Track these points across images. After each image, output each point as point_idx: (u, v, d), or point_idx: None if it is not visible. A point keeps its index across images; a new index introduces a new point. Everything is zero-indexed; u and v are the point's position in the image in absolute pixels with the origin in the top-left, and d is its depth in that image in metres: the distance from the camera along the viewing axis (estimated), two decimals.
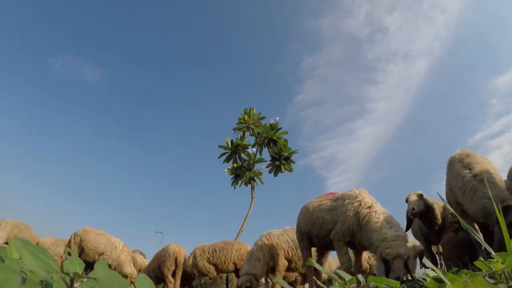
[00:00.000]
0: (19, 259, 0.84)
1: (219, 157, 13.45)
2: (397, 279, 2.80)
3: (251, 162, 13.14)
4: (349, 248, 3.92)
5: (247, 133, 13.16)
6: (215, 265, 6.70)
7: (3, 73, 31.32)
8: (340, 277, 0.78)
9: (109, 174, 41.04)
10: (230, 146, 13.24)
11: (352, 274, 3.63)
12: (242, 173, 12.95)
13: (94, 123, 43.07)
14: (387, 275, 3.03)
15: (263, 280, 5.78)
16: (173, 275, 7.09)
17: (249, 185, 12.86)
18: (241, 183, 13.00)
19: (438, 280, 0.75)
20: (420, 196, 4.12)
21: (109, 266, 6.96)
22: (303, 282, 6.47)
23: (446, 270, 2.96)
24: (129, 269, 7.09)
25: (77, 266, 0.58)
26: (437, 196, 3.22)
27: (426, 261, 0.89)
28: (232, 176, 13.29)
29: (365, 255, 6.56)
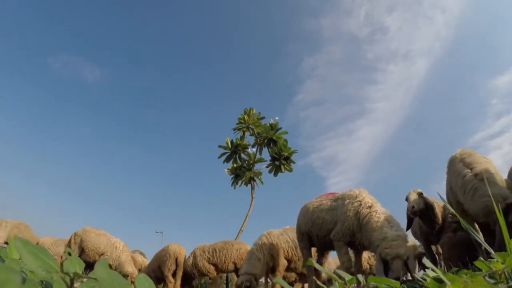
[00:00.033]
0: (19, 259, 0.84)
1: (219, 157, 13.47)
2: (397, 279, 2.80)
3: (251, 162, 13.14)
4: (349, 248, 3.92)
5: (247, 133, 13.17)
6: (215, 265, 6.70)
7: (3, 73, 31.36)
8: (340, 277, 0.78)
9: (109, 174, 41.08)
10: (230, 146, 13.24)
11: (352, 274, 3.63)
12: (242, 173, 12.95)
13: (94, 123, 43.11)
14: (386, 275, 3.03)
15: (262, 280, 5.78)
16: (173, 275, 7.09)
17: (249, 185, 12.86)
18: (241, 183, 13.00)
19: (438, 280, 0.75)
20: (420, 195, 4.07)
21: (110, 266, 6.96)
22: (301, 281, 6.44)
23: (446, 270, 2.96)
24: (130, 269, 7.10)
25: (77, 266, 0.58)
26: (437, 196, 3.22)
27: (426, 261, 0.89)
28: (232, 176, 13.29)
29: (365, 255, 6.56)
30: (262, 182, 13.12)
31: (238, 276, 5.10)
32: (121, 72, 47.88)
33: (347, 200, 3.84)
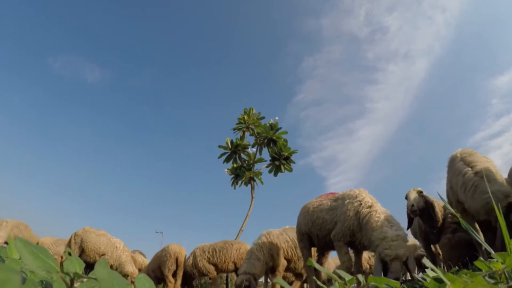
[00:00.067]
0: (19, 259, 0.84)
1: (219, 157, 13.47)
2: (396, 280, 2.80)
3: (251, 162, 13.14)
4: (349, 248, 3.92)
5: (247, 133, 13.17)
6: (215, 265, 6.69)
7: (3, 73, 31.34)
8: (340, 277, 0.78)
9: (109, 174, 41.10)
10: (230, 146, 13.24)
11: (352, 274, 3.63)
12: (242, 173, 12.95)
13: (94, 123, 43.09)
14: (385, 276, 3.02)
15: (262, 279, 5.78)
16: (173, 275, 7.09)
17: (249, 185, 12.86)
18: (241, 183, 13.00)
19: (438, 280, 0.75)
20: (420, 193, 4.03)
21: (111, 266, 6.97)
22: (297, 280, 6.40)
23: (446, 271, 2.96)
24: (131, 268, 7.10)
25: (77, 266, 0.58)
26: (437, 196, 3.21)
27: (426, 261, 0.89)
28: (232, 176, 13.29)
29: (365, 255, 6.55)
30: (262, 182, 13.14)
31: (238, 276, 5.09)
32: (121, 72, 47.90)
33: (347, 200, 3.84)
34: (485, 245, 1.04)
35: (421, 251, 5.16)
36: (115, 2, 47.03)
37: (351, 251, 3.99)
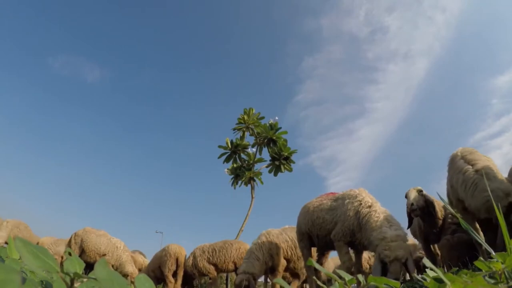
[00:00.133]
0: (19, 259, 0.84)
1: (219, 157, 13.47)
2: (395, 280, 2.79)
3: (251, 162, 13.14)
4: (349, 248, 3.92)
5: (246, 133, 13.16)
6: (215, 265, 6.69)
7: (3, 73, 31.35)
8: (340, 277, 0.78)
9: (109, 174, 41.12)
10: (230, 146, 13.24)
11: (352, 274, 3.63)
12: (242, 173, 12.95)
13: (94, 123, 43.08)
14: (384, 276, 3.01)
15: (262, 279, 5.77)
16: (174, 275, 7.09)
17: (249, 185, 12.86)
18: (241, 183, 13.00)
19: (438, 280, 0.75)
20: (420, 192, 4.01)
21: (112, 266, 6.97)
22: (293, 279, 6.38)
23: (446, 271, 2.95)
24: (131, 268, 7.11)
25: (77, 266, 0.58)
26: (437, 196, 3.21)
27: (426, 260, 0.89)
28: (232, 176, 13.29)
29: (365, 255, 6.55)
30: (262, 182, 13.14)
31: (237, 275, 5.08)
32: (121, 72, 47.89)
33: (347, 200, 3.84)
34: (485, 245, 1.04)
35: (420, 253, 5.14)
36: (115, 2, 47.03)
37: (351, 251, 3.99)
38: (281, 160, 12.99)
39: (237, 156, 13.36)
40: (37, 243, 7.25)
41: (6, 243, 7.52)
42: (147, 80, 49.03)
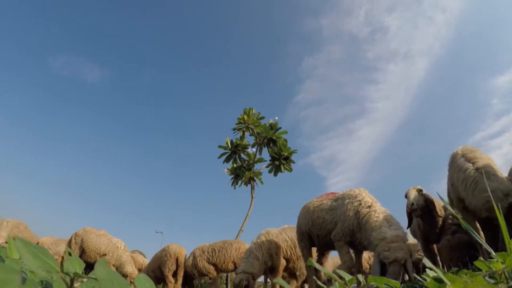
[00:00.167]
0: (19, 259, 0.84)
1: (219, 157, 13.47)
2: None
3: (251, 162, 13.14)
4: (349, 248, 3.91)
5: (246, 133, 13.16)
6: (214, 265, 6.69)
7: (3, 73, 31.35)
8: (340, 277, 0.78)
9: (109, 174, 41.12)
10: (230, 146, 13.24)
11: (352, 274, 3.63)
12: (242, 173, 12.95)
13: (94, 123, 43.06)
14: (383, 276, 3.01)
15: (261, 279, 5.77)
16: (174, 275, 7.09)
17: (249, 185, 12.86)
18: (241, 183, 12.99)
19: (438, 280, 0.75)
20: (420, 191, 3.98)
21: (113, 266, 6.97)
22: (291, 279, 6.36)
23: (446, 271, 2.96)
24: (130, 268, 7.11)
25: (77, 266, 0.58)
26: (437, 196, 3.20)
27: (426, 260, 0.89)
28: (232, 176, 13.29)
29: (365, 255, 6.55)
30: (262, 182, 13.14)
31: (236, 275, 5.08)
32: (121, 72, 47.88)
33: (347, 200, 3.84)
34: (485, 245, 1.04)
35: (419, 254, 5.12)
36: (115, 2, 47.02)
37: (351, 251, 3.99)
38: (281, 160, 12.99)
39: (237, 156, 13.36)
40: (37, 243, 7.26)
41: (6, 243, 7.52)
42: (147, 80, 49.06)
